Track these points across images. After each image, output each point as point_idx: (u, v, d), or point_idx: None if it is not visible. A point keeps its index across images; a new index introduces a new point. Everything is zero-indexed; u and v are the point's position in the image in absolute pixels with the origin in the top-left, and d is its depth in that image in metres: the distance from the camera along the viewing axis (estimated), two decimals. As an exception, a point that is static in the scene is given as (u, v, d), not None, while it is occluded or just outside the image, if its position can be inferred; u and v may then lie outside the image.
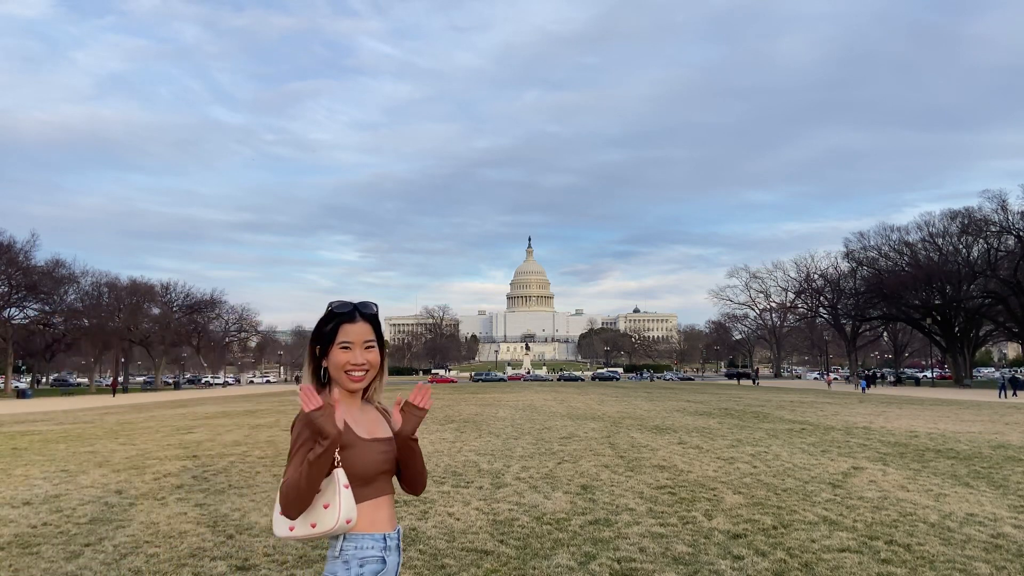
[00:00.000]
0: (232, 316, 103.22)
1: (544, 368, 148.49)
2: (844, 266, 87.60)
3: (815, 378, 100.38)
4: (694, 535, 6.75)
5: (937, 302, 70.12)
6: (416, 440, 2.28)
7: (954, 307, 68.62)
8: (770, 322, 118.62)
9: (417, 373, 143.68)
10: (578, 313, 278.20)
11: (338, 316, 2.22)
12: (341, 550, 2.12)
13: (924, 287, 69.54)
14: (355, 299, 2.27)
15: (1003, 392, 42.93)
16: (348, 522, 2.06)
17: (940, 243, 72.63)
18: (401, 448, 2.25)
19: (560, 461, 12.09)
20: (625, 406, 30.60)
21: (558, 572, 5.60)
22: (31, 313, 71.24)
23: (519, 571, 5.63)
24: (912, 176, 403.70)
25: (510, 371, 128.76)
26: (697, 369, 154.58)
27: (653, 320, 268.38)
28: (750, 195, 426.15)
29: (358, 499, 2.11)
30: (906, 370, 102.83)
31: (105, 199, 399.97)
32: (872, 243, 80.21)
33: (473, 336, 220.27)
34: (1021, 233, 62.70)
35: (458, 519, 7.50)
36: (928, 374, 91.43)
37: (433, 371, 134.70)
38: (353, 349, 2.19)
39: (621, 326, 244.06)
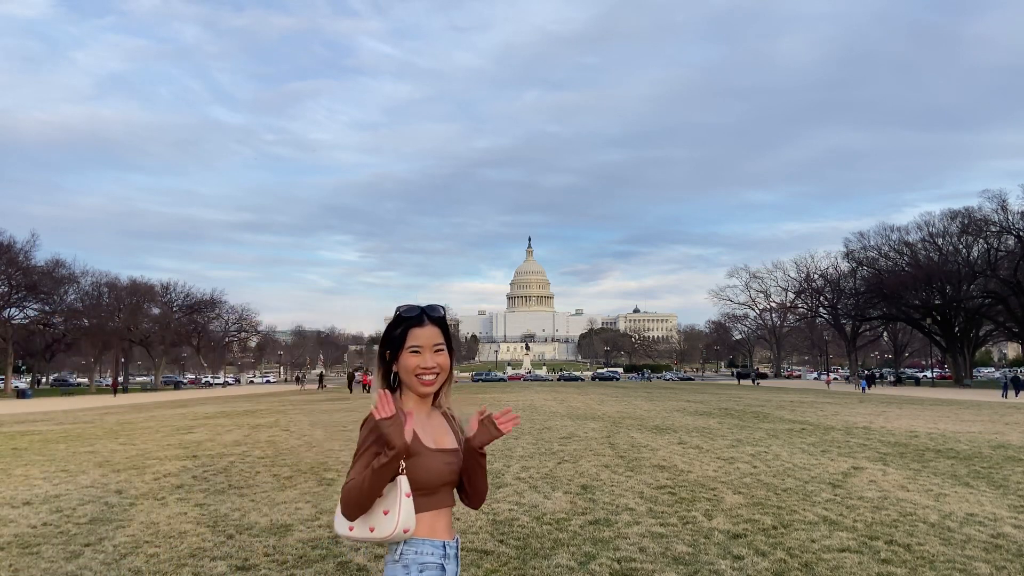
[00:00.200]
0: (232, 316, 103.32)
1: (544, 368, 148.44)
2: (844, 266, 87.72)
3: (814, 378, 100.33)
4: (694, 535, 6.75)
5: (937, 302, 70.14)
6: (485, 454, 2.24)
7: (954, 307, 68.64)
8: (770, 322, 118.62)
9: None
10: (578, 313, 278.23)
11: (406, 320, 2.20)
12: (401, 554, 2.10)
13: (924, 287, 69.57)
14: (421, 303, 2.24)
15: (1006, 392, 42.91)
16: (406, 531, 2.04)
17: (940, 243, 72.67)
18: (468, 458, 2.22)
19: (560, 461, 12.09)
20: (625, 406, 30.59)
21: (558, 572, 5.59)
22: (31, 313, 71.30)
23: (519, 571, 5.63)
24: (912, 176, 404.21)
25: (510, 371, 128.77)
26: (697, 369, 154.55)
27: (653, 320, 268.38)
28: (750, 195, 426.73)
29: (419, 509, 2.08)
30: (906, 370, 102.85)
31: (105, 199, 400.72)
32: (872, 243, 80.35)
33: (473, 336, 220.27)
34: (1021, 233, 62.72)
35: (458, 519, 7.49)
36: (928, 374, 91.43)
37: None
38: (423, 353, 2.16)
39: (621, 326, 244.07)
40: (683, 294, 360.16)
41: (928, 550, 6.14)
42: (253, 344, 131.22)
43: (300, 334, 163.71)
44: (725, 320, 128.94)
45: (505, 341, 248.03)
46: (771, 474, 10.60)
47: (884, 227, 79.62)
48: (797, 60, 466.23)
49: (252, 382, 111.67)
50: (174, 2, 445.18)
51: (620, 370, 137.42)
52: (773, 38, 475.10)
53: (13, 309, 67.72)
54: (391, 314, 2.26)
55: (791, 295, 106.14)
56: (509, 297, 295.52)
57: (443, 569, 2.12)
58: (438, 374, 2.20)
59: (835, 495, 8.82)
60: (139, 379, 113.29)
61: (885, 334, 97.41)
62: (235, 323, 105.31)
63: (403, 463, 2.05)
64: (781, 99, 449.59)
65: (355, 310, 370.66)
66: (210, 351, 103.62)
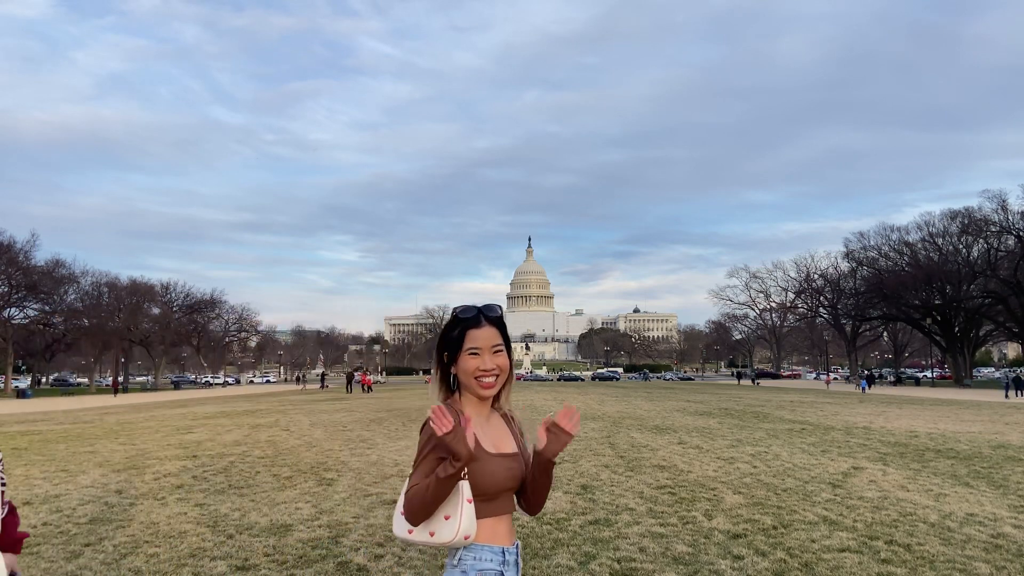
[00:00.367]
0: (232, 316, 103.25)
1: (544, 368, 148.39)
2: (844, 266, 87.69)
3: (814, 378, 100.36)
4: (694, 535, 6.75)
5: (937, 302, 70.14)
6: (554, 463, 2.18)
7: (954, 307, 68.64)
8: (770, 322, 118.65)
9: (417, 373, 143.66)
10: (578, 313, 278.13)
11: (463, 321, 2.16)
12: (460, 559, 2.09)
13: (924, 287, 69.57)
14: (480, 303, 2.21)
15: (1008, 392, 42.84)
16: (467, 538, 2.02)
17: (940, 243, 72.67)
18: (539, 468, 2.16)
19: (560, 461, 12.09)
20: (625, 406, 30.60)
21: (558, 572, 5.59)
22: (31, 313, 71.28)
23: (519, 571, 5.62)
24: (912, 176, 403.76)
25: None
26: (697, 369, 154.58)
27: (653, 320, 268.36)
28: (750, 195, 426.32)
29: (479, 515, 2.05)
30: (906, 370, 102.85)
31: (105, 199, 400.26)
32: (872, 243, 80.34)
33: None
34: (1021, 233, 62.72)
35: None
36: (928, 374, 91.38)
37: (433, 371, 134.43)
38: (482, 354, 2.12)
39: (621, 326, 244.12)
40: (683, 294, 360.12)
41: (928, 550, 6.14)
42: (253, 344, 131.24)
43: (300, 334, 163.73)
44: (725, 320, 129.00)
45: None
46: (771, 474, 10.60)
47: (884, 227, 79.72)
48: (797, 60, 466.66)
49: (252, 382, 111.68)
50: (174, 2, 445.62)
51: (620, 370, 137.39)
52: (773, 38, 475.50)
53: (13, 309, 67.71)
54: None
55: (791, 295, 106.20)
56: (509, 297, 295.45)
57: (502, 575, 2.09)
58: (498, 376, 2.15)
59: (835, 495, 8.83)
60: (139, 379, 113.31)
61: (885, 334, 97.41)
62: (235, 323, 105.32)
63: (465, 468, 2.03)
64: (781, 99, 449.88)
65: (355, 310, 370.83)
66: (210, 351, 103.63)
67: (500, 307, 2.25)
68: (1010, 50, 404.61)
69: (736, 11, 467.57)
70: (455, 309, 2.20)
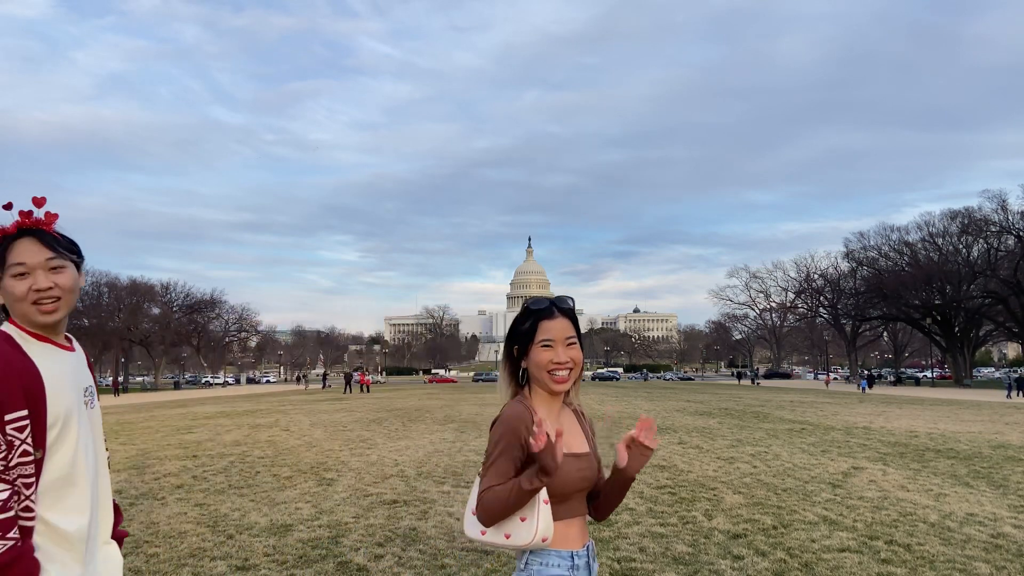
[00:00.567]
0: (232, 316, 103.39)
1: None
2: (844, 266, 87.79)
3: (813, 378, 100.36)
4: (694, 535, 6.75)
5: (937, 302, 70.15)
6: (634, 479, 2.11)
7: (954, 307, 68.64)
8: (770, 322, 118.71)
9: (417, 373, 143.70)
10: (578, 313, 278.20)
11: (535, 313, 2.09)
12: (527, 563, 2.01)
13: (924, 287, 69.58)
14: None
15: (1010, 392, 42.75)
16: (544, 540, 1.94)
17: (940, 243, 72.73)
18: (619, 483, 2.11)
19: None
20: (625, 406, 30.61)
21: (558, 572, 5.58)
22: (31, 313, 71.24)
23: (519, 571, 5.62)
24: (912, 176, 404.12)
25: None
26: (697, 369, 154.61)
27: (653, 320, 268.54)
28: (750, 195, 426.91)
29: (553, 517, 1.98)
30: (906, 370, 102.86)
31: (105, 199, 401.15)
32: (872, 243, 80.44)
33: (473, 336, 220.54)
34: (1021, 233, 62.75)
35: (458, 519, 7.49)
36: (928, 374, 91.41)
37: (433, 371, 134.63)
38: (555, 347, 2.04)
39: (621, 326, 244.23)
40: (683, 294, 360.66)
41: (928, 550, 6.14)
42: (253, 344, 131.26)
43: (300, 334, 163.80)
44: (725, 320, 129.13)
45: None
46: (771, 474, 10.60)
47: (884, 227, 79.85)
48: (797, 60, 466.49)
49: (252, 380, 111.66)
50: (174, 2, 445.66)
51: (620, 370, 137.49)
52: (773, 38, 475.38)
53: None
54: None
55: (791, 295, 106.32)
56: (509, 297, 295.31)
57: None
58: (571, 369, 2.08)
59: (835, 495, 8.82)
60: (139, 379, 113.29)
61: (885, 334, 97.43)
62: (235, 323, 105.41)
63: None
64: (781, 99, 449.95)
65: (355, 310, 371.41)
66: (210, 351, 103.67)
67: (572, 299, 2.19)
68: (1010, 50, 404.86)
69: (736, 11, 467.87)
70: (526, 301, 2.14)
